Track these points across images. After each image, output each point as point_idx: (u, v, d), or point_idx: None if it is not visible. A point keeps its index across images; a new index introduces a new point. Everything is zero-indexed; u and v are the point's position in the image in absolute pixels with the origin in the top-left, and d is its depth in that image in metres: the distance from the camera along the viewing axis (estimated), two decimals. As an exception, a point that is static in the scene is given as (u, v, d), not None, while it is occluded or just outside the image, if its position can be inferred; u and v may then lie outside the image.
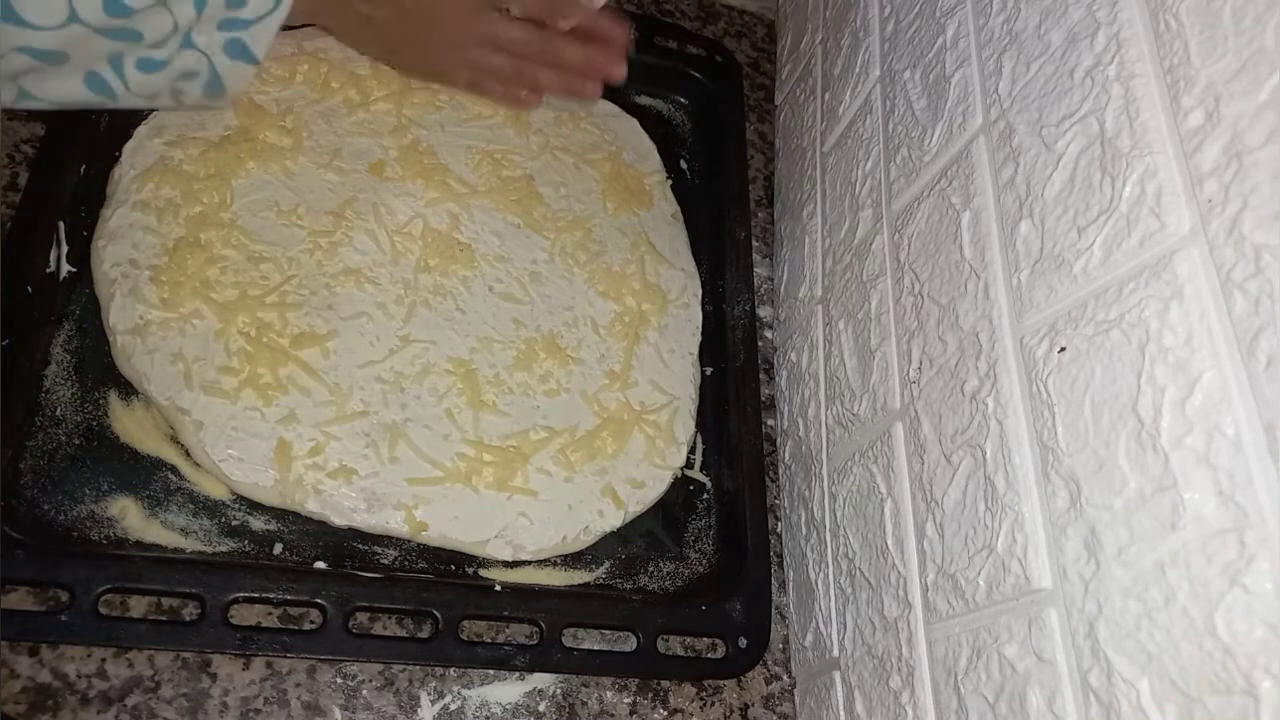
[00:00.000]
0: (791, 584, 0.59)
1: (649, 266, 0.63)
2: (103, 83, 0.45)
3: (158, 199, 0.52)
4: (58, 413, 0.48)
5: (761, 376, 0.64)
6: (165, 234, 0.51)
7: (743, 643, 0.54)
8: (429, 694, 0.49)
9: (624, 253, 0.63)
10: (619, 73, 0.57)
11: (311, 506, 0.49)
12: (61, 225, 0.51)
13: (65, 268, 0.50)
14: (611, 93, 0.70)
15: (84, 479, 0.47)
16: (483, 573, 0.52)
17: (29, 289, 0.48)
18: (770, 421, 0.65)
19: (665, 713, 0.53)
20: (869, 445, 0.51)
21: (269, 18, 0.46)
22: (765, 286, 0.70)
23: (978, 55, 0.46)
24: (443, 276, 0.57)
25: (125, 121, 0.54)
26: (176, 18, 0.43)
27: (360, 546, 0.50)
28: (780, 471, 0.63)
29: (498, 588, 0.51)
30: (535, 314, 0.58)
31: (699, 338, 0.63)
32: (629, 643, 0.52)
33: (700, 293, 0.65)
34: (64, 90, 0.45)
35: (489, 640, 0.50)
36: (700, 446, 0.61)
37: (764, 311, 0.69)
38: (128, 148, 0.53)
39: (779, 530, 0.61)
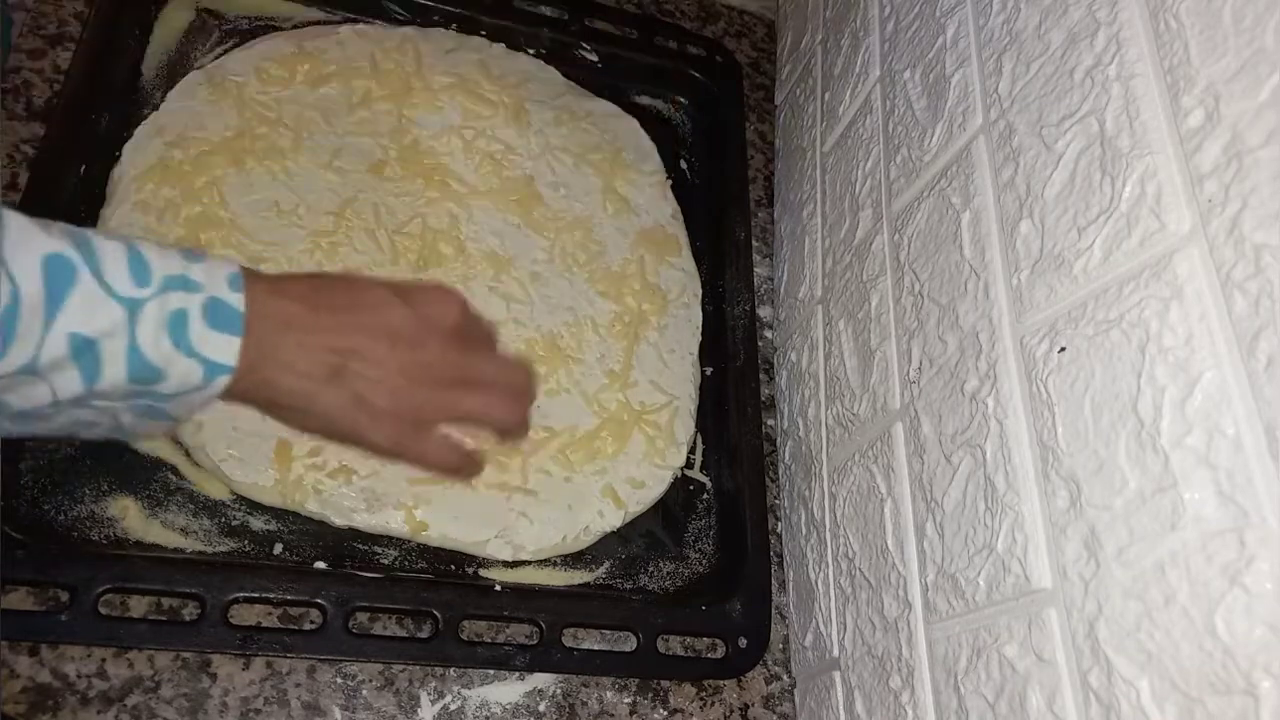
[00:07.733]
0: (791, 584, 0.59)
1: (649, 266, 0.63)
2: None
3: (158, 199, 0.52)
4: (58, 413, 0.48)
5: (761, 376, 0.64)
6: (165, 234, 0.51)
7: (743, 643, 0.54)
8: (429, 694, 0.49)
9: (624, 253, 0.63)
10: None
11: (311, 506, 0.49)
12: (61, 225, 0.50)
13: (65, 268, 0.50)
14: (612, 93, 0.70)
15: (84, 479, 0.47)
16: (483, 573, 0.52)
17: (29, 289, 0.48)
18: (770, 421, 0.65)
19: (665, 713, 0.53)
20: (869, 445, 0.51)
21: (194, 394, 0.35)
22: (765, 286, 0.70)
23: (978, 55, 0.46)
24: (442, 276, 0.57)
25: (125, 121, 0.54)
26: (56, 391, 0.32)
27: (360, 546, 0.50)
28: (780, 471, 0.63)
29: (498, 588, 0.51)
30: (535, 314, 0.58)
31: (699, 338, 0.63)
32: (629, 643, 0.52)
33: (700, 293, 0.65)
34: None
35: (489, 640, 0.50)
36: (700, 446, 0.61)
37: (764, 311, 0.69)
38: (128, 148, 0.53)
39: (779, 530, 0.61)
